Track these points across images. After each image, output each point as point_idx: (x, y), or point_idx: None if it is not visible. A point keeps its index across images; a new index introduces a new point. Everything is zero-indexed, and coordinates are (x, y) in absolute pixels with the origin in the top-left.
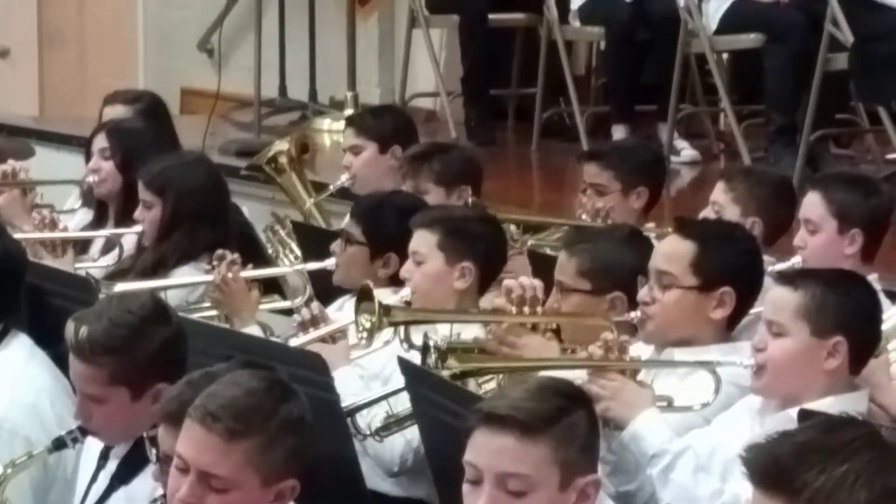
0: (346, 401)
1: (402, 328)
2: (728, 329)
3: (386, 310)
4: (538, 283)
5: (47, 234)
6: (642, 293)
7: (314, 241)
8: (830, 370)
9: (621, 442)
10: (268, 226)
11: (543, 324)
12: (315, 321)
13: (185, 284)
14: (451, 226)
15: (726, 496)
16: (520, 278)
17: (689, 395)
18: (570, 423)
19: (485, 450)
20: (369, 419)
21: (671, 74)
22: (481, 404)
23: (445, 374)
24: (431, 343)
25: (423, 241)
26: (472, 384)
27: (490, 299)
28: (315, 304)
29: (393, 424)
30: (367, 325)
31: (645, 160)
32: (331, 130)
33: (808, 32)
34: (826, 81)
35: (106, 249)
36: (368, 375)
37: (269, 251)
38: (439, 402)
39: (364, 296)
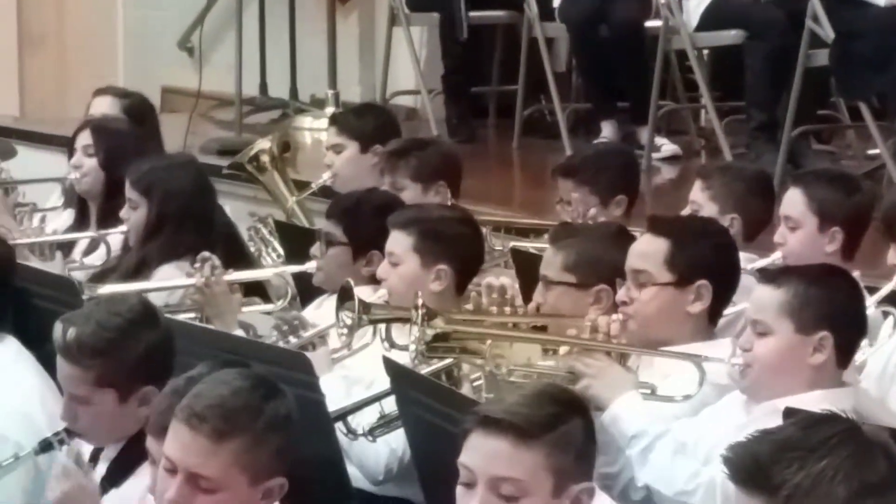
0: (330, 407)
1: (382, 328)
2: (710, 324)
3: (366, 307)
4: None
5: (35, 239)
6: (620, 294)
7: (297, 240)
8: (817, 365)
9: (602, 423)
10: (251, 225)
11: (525, 324)
12: (294, 329)
13: (167, 287)
14: (427, 227)
15: (703, 478)
16: (500, 278)
17: (671, 392)
18: (565, 431)
19: (479, 453)
20: (360, 421)
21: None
22: (478, 407)
23: (430, 332)
24: (420, 301)
25: (398, 243)
26: (465, 387)
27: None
28: (293, 314)
29: (384, 425)
30: (349, 321)
31: (619, 168)
32: (312, 129)
33: (788, 29)
34: (807, 78)
35: (90, 248)
36: (352, 378)
37: (252, 250)
38: (426, 402)
39: (345, 294)
